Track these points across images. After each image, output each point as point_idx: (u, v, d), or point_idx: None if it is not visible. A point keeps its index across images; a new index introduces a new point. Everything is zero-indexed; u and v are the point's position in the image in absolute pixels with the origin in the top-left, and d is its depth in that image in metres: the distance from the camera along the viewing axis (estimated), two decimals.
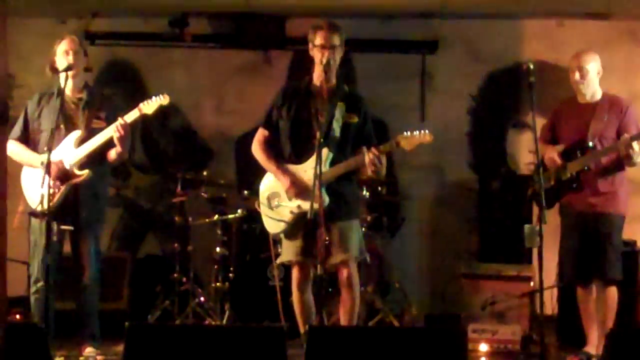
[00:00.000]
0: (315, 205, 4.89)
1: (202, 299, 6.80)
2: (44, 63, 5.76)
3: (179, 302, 6.80)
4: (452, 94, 7.74)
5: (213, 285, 6.88)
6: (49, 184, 5.20)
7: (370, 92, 7.14)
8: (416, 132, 5.23)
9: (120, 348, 4.42)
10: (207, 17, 7.78)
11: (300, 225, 5.25)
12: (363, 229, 5.81)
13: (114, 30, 7.77)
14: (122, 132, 5.55)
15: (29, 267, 5.76)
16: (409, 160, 7.67)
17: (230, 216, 6.90)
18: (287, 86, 5.60)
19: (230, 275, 6.88)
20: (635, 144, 5.57)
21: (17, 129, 5.76)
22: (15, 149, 5.77)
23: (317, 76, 5.34)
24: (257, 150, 5.50)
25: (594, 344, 5.76)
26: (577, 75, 5.79)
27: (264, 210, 5.46)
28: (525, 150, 7.27)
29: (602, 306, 5.77)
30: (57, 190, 5.47)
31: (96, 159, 5.67)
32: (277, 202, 5.38)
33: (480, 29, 7.69)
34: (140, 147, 7.82)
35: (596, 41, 7.02)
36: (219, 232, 6.92)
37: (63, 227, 5.50)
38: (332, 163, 5.25)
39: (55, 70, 5.70)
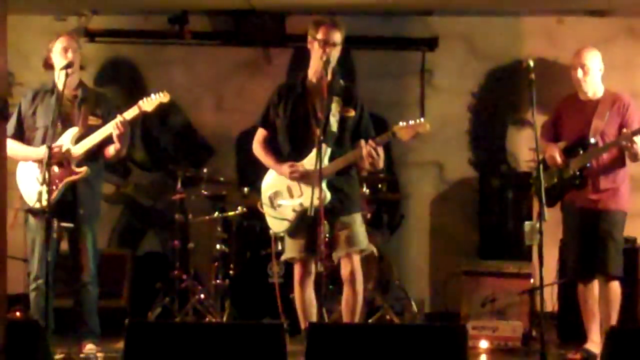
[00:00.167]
0: (316, 202, 4.90)
1: (202, 296, 6.80)
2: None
3: (179, 300, 6.80)
4: (452, 91, 7.73)
5: (213, 282, 6.88)
6: (49, 180, 5.20)
7: (370, 89, 7.18)
8: (412, 122, 5.23)
9: (120, 345, 4.42)
10: (207, 15, 7.78)
11: (302, 223, 5.26)
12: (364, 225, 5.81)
13: (113, 28, 7.76)
14: (122, 130, 5.56)
15: (29, 264, 5.76)
16: (409, 158, 7.68)
17: (231, 213, 6.90)
18: (283, 84, 5.60)
19: (231, 272, 6.87)
20: (637, 139, 5.58)
21: (10, 127, 5.70)
22: (10, 146, 5.75)
23: (313, 72, 5.35)
24: (257, 149, 5.52)
25: (596, 341, 5.75)
26: (579, 73, 5.79)
27: (267, 210, 5.47)
28: (525, 147, 7.28)
29: (605, 302, 5.77)
30: (54, 188, 5.47)
31: (92, 156, 5.67)
32: (279, 201, 5.39)
33: (480, 26, 7.68)
34: (141, 145, 7.81)
35: (595, 38, 7.01)
36: (219, 229, 6.92)
37: (64, 224, 5.50)
38: (331, 158, 5.26)
39: (50, 67, 5.70)
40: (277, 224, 5.43)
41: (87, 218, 5.70)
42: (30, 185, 5.61)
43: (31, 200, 5.55)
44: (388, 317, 6.62)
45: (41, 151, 5.43)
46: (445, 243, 7.69)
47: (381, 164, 5.29)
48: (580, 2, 7.33)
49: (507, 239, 7.13)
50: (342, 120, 5.31)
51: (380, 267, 6.99)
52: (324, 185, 5.07)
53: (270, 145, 5.48)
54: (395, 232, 7.69)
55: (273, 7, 7.53)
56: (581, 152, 5.77)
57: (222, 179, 7.13)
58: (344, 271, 5.33)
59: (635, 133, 5.59)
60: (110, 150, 5.68)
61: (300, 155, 5.34)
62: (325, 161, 5.17)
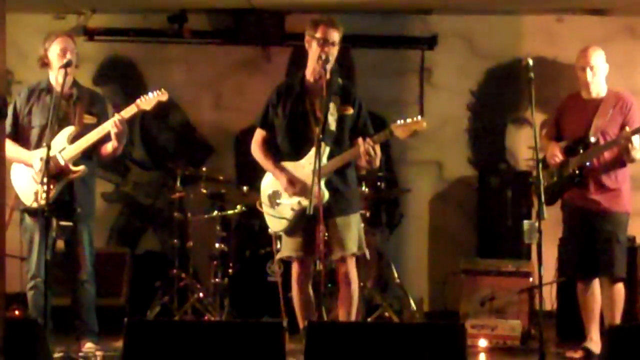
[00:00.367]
0: (315, 201, 4.90)
1: (201, 294, 6.80)
2: None
3: (178, 298, 6.80)
4: (451, 89, 7.74)
5: (212, 281, 6.88)
6: (46, 180, 5.19)
7: (369, 88, 7.18)
8: (409, 120, 5.22)
9: (119, 344, 4.41)
10: (206, 13, 7.78)
11: (301, 222, 5.25)
12: (362, 225, 5.80)
13: (112, 26, 7.76)
14: (120, 128, 5.55)
15: (26, 263, 5.74)
16: (408, 156, 7.68)
17: (230, 212, 6.90)
18: (281, 84, 5.58)
19: (230, 271, 6.87)
20: (634, 138, 5.57)
21: (6, 126, 5.67)
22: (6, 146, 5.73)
23: (311, 71, 5.35)
24: (255, 151, 5.51)
25: (595, 340, 5.75)
26: (589, 74, 5.76)
27: (266, 209, 5.46)
28: (525, 146, 7.26)
29: (609, 304, 5.75)
30: (51, 187, 5.46)
31: (87, 154, 5.67)
32: (278, 200, 5.38)
33: (479, 24, 7.68)
34: (140, 143, 7.81)
35: (595, 37, 7.01)
36: (218, 228, 6.92)
37: (63, 223, 5.49)
38: (330, 157, 5.25)
39: (46, 65, 5.69)
40: (276, 223, 5.43)
41: (83, 216, 5.69)
42: (27, 184, 5.60)
43: (28, 200, 5.55)
44: (387, 315, 6.62)
45: (35, 156, 5.46)
46: (445, 241, 7.69)
47: (378, 162, 5.28)
48: (580, 0, 7.33)
49: (506, 237, 7.12)
50: (341, 119, 5.31)
51: (379, 266, 7.00)
52: (322, 184, 5.07)
53: (269, 145, 5.47)
54: (394, 230, 7.69)
55: (272, 5, 7.52)
56: (581, 151, 5.77)
57: (221, 177, 7.14)
58: (339, 273, 5.34)
59: (634, 132, 5.58)
60: (108, 148, 5.67)
61: (299, 154, 5.33)
62: (324, 160, 5.17)
